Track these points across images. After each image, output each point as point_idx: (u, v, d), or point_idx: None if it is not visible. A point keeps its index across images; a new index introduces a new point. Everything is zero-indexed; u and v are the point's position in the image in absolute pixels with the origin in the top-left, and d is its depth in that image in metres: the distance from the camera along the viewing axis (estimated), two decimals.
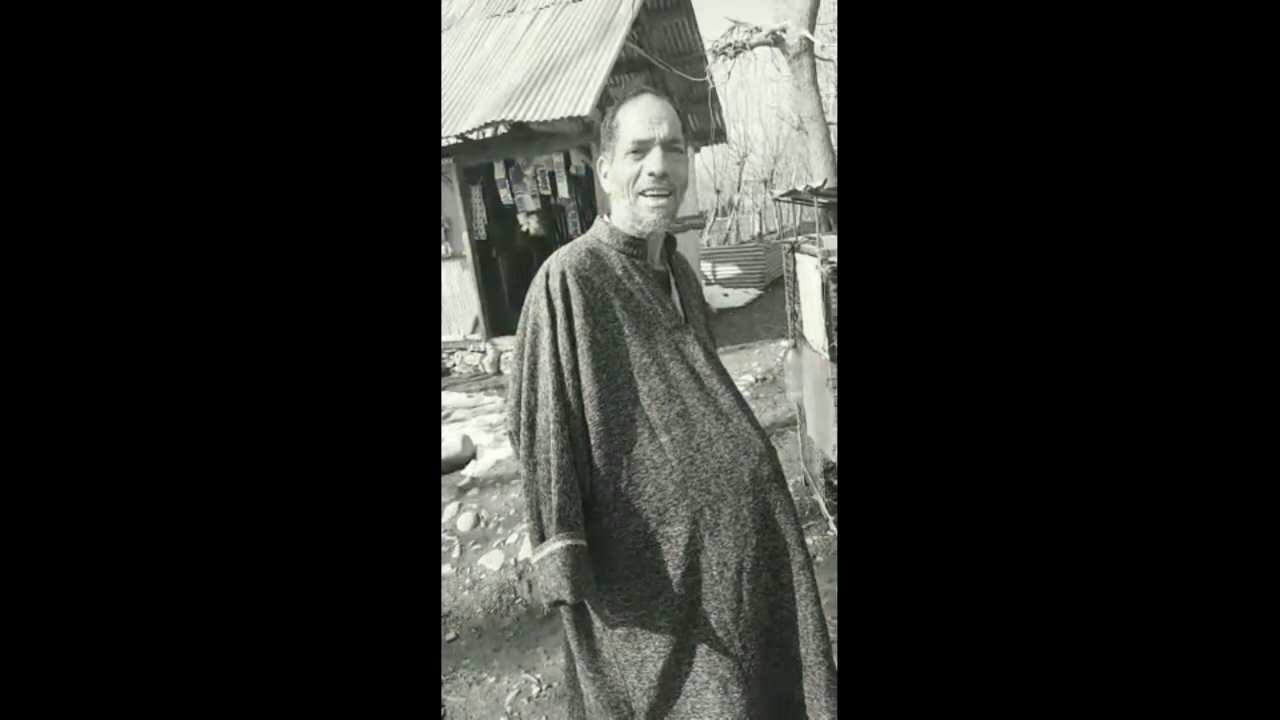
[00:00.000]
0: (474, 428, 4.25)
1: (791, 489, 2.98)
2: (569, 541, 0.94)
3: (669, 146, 1.00)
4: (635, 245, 1.06)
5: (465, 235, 5.90)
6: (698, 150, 9.04)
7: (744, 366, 5.28)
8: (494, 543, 2.91)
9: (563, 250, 1.05)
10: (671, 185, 1.01)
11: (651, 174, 0.99)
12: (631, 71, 7.61)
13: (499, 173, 6.22)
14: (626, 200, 1.03)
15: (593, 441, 0.98)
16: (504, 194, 6.29)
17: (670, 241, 1.15)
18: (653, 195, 1.01)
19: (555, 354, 0.97)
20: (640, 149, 0.99)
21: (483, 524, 3.12)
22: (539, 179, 6.20)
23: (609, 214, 1.10)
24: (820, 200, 2.91)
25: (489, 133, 5.59)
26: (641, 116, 0.99)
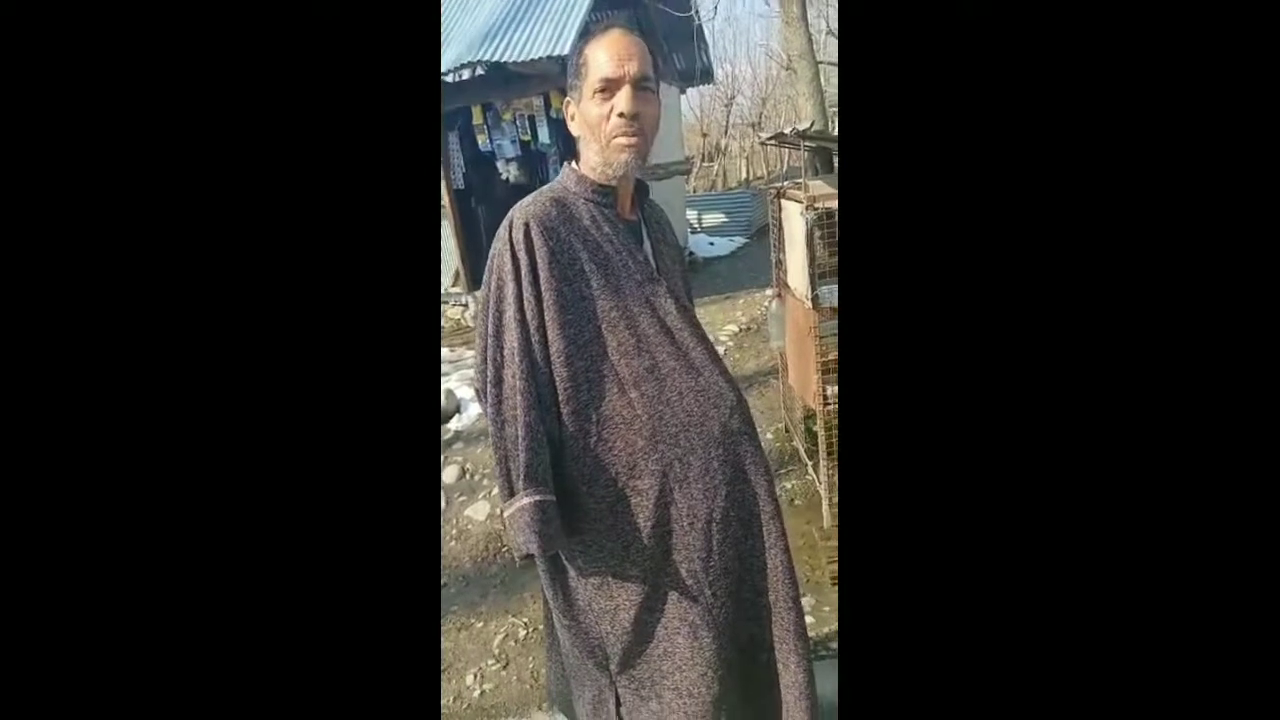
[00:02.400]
0: (456, 382, 4.25)
1: (772, 436, 3.04)
2: (537, 497, 0.94)
3: (639, 85, 0.95)
4: (604, 193, 1.03)
5: (444, 185, 5.75)
6: (683, 92, 8.76)
7: (728, 316, 5.27)
8: (480, 494, 2.94)
9: (526, 200, 1.02)
10: (642, 126, 0.98)
11: (621, 114, 0.95)
12: (614, 8, 7.29)
13: (476, 118, 6.01)
14: (595, 144, 0.99)
15: (560, 398, 0.98)
16: (482, 140, 6.09)
17: (642, 189, 1.12)
18: (622, 137, 0.97)
19: (520, 309, 0.96)
20: (608, 88, 0.95)
21: (468, 476, 3.14)
22: (518, 123, 6.00)
23: (576, 160, 1.06)
24: (807, 144, 2.84)
25: (465, 74, 5.36)
26: (610, 53, 0.95)
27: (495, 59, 4.99)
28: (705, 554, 1.02)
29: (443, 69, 5.11)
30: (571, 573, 1.06)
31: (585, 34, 1.01)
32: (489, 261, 1.01)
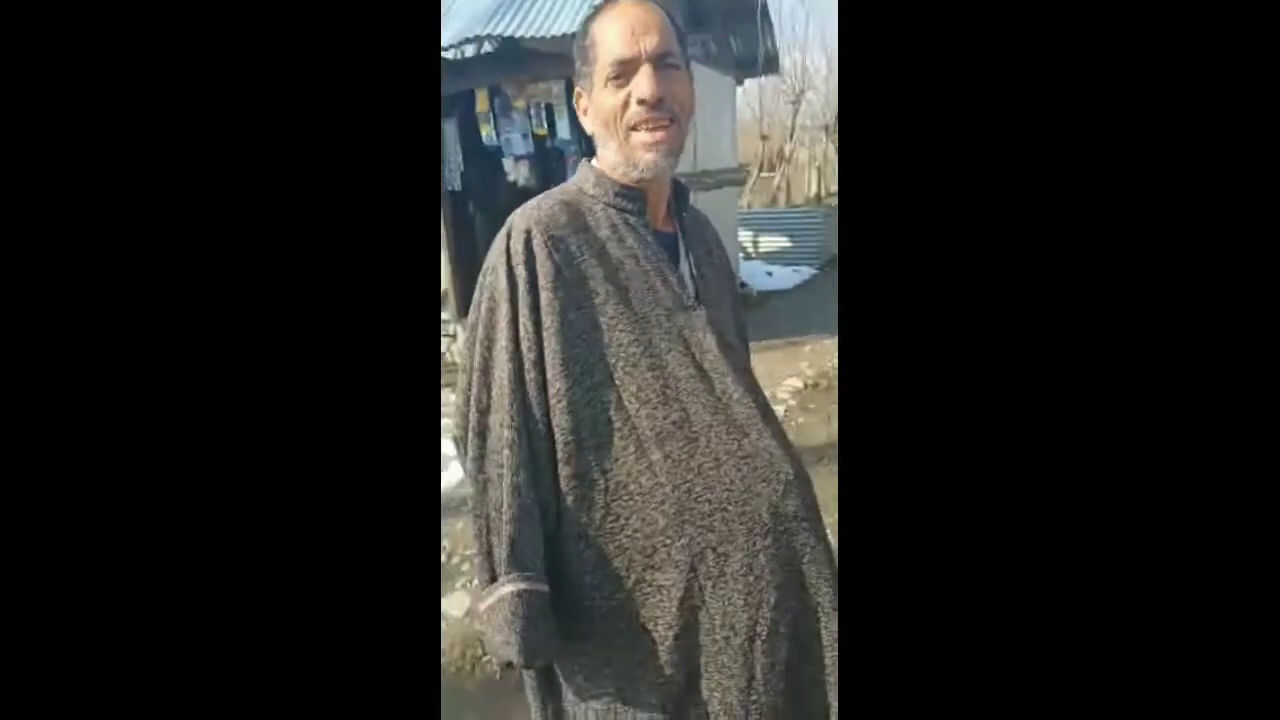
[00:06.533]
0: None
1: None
2: (522, 585, 0.93)
3: (661, 63, 0.98)
4: (630, 198, 1.05)
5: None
6: (740, 83, 8.99)
7: (790, 368, 5.26)
8: (458, 582, 2.92)
9: (530, 204, 1.04)
10: (672, 111, 0.99)
11: (642, 101, 0.97)
12: None
13: (481, 104, 6.22)
14: (614, 141, 1.02)
15: (559, 456, 0.97)
16: (486, 132, 6.28)
17: (680, 193, 1.14)
18: (645, 129, 0.99)
19: (514, 338, 0.97)
20: (623, 72, 0.98)
21: (445, 555, 3.12)
22: (533, 114, 6.18)
23: (595, 157, 1.09)
24: None
25: (469, 51, 5.57)
26: (620, 27, 0.97)
27: (508, 34, 5.18)
28: (745, 681, 0.99)
29: (443, 44, 5.32)
30: (569, 694, 1.04)
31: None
32: (480, 279, 1.03)
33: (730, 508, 0.99)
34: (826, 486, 3.05)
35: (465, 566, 3.01)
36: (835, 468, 3.45)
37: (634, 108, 0.98)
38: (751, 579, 0.99)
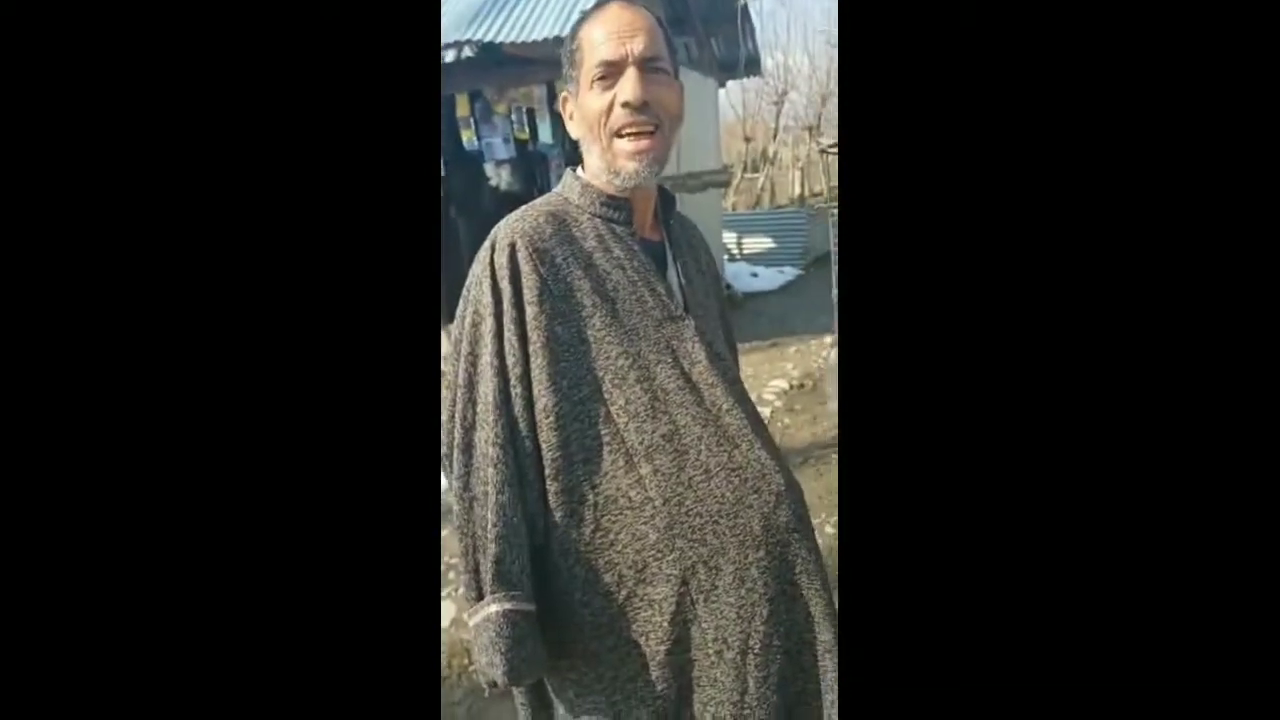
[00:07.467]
0: None
1: (833, 531, 2.96)
2: (508, 605, 0.92)
3: (648, 66, 0.97)
4: (615, 207, 1.04)
5: None
6: (722, 85, 9.03)
7: (775, 369, 5.29)
8: (444, 590, 2.91)
9: (514, 215, 1.03)
10: (657, 118, 0.99)
11: (627, 104, 0.97)
12: None
13: (462, 109, 6.20)
14: (599, 145, 1.01)
15: (547, 471, 0.97)
16: (468, 137, 6.27)
17: (666, 200, 1.14)
18: (632, 135, 0.98)
19: (500, 353, 0.96)
20: (609, 73, 0.97)
21: None
22: (514, 118, 6.18)
23: (581, 166, 1.08)
24: None
25: (450, 56, 5.56)
26: (608, 30, 0.97)
27: (488, 38, 5.17)
28: (738, 695, 0.99)
29: None
30: (560, 709, 1.03)
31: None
32: (464, 292, 1.02)
33: (721, 521, 0.98)
34: (814, 488, 3.06)
35: (451, 575, 3.00)
36: (821, 468, 3.47)
37: (618, 111, 0.97)
38: (744, 592, 0.98)
